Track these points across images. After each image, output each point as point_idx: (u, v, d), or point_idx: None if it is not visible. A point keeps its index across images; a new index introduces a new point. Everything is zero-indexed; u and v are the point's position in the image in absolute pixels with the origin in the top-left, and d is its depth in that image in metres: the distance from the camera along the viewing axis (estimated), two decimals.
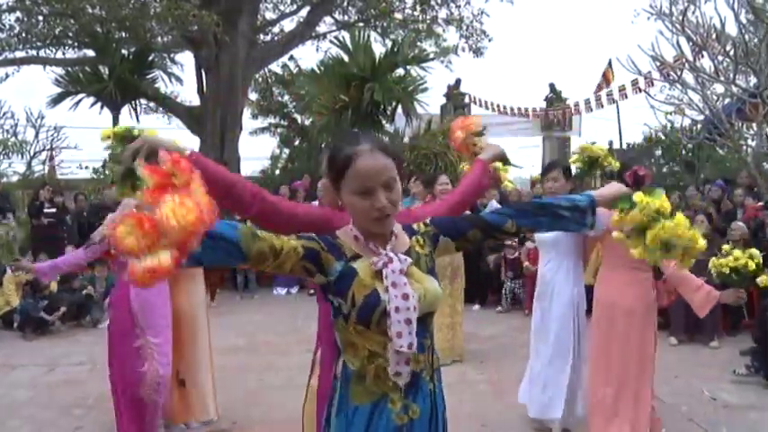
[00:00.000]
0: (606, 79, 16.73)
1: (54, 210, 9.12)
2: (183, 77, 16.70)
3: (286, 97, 18.48)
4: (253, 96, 18.36)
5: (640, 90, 12.89)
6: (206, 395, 4.04)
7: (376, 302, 1.49)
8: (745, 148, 8.84)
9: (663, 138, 13.27)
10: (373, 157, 1.51)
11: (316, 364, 2.34)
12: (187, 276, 3.96)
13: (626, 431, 3.36)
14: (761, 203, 8.02)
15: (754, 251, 3.20)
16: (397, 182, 1.56)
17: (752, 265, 3.12)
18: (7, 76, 14.86)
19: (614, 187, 1.94)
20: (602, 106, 16.91)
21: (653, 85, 11.56)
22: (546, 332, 3.92)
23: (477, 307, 8.03)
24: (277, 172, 15.65)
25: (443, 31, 17.36)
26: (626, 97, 15.84)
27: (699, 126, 9.70)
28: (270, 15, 17.69)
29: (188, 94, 30.30)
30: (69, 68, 14.86)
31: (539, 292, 4.03)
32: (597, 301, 3.56)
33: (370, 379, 1.54)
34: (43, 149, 13.41)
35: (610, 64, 16.69)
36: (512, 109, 18.03)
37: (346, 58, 12.34)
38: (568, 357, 3.80)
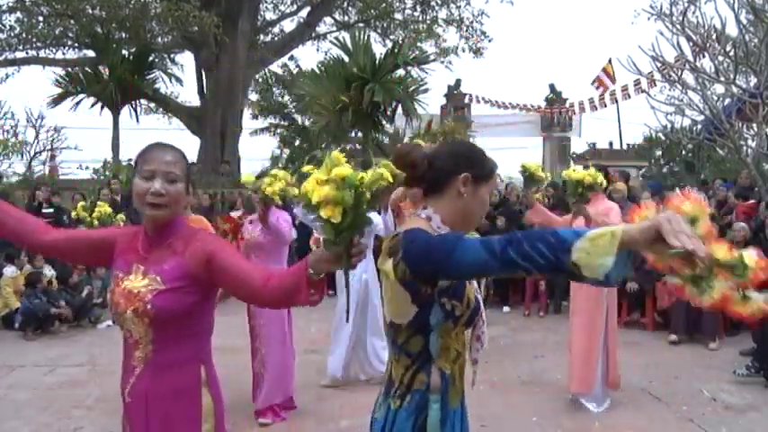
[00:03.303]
0: (607, 74, 16.71)
1: (52, 210, 9.11)
2: (183, 78, 16.74)
3: (286, 97, 18.50)
4: (253, 96, 18.38)
5: (642, 90, 12.90)
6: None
7: (477, 303, 1.57)
8: (745, 148, 8.83)
9: (663, 138, 13.26)
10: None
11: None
12: None
13: None
14: (752, 202, 8.00)
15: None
16: None
17: None
18: (7, 76, 14.90)
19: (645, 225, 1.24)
20: (606, 105, 16.94)
21: (655, 84, 11.58)
22: None
23: None
24: None
25: (443, 31, 17.39)
26: (629, 97, 15.87)
27: (699, 126, 9.70)
28: (270, 16, 17.73)
29: (188, 94, 30.38)
30: (69, 69, 14.87)
31: None
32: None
33: (458, 379, 1.59)
34: (43, 150, 13.41)
35: (609, 63, 16.71)
36: (512, 105, 18.04)
37: (346, 59, 12.34)
38: None
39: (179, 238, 1.72)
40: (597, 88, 17.39)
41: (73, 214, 3.87)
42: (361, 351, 4.89)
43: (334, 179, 1.40)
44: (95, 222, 4.67)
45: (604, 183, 4.32)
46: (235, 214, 5.26)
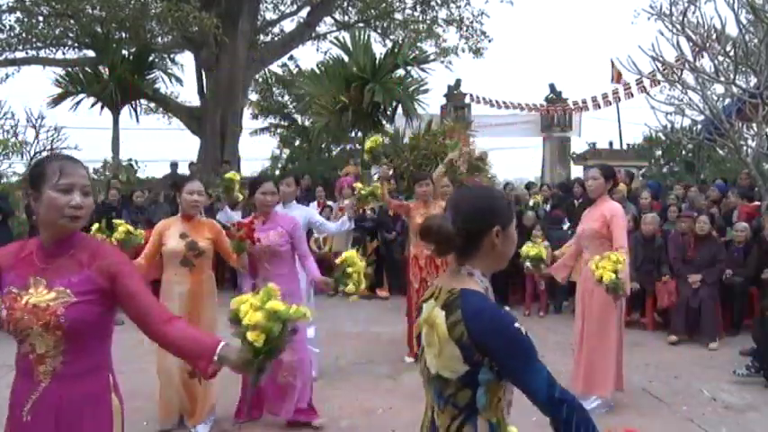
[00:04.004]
0: (615, 78, 16.71)
1: None
2: (183, 78, 16.72)
3: (286, 97, 18.49)
4: (253, 96, 18.37)
5: (645, 90, 12.90)
6: (213, 392, 4.01)
7: None
8: (745, 148, 8.83)
9: (663, 138, 13.26)
10: None
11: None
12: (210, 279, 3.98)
13: None
14: (756, 203, 8.01)
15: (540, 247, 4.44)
16: None
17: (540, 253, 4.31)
18: (7, 76, 14.89)
19: None
20: (609, 104, 16.93)
21: (658, 83, 11.58)
22: None
23: None
24: (277, 172, 15.65)
25: (443, 31, 17.39)
26: (632, 96, 15.87)
27: (699, 126, 9.70)
28: (270, 16, 17.73)
29: (188, 94, 30.37)
30: (69, 69, 14.85)
31: None
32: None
33: (502, 423, 1.62)
34: (43, 150, 13.38)
35: (612, 64, 16.71)
36: (512, 104, 18.03)
37: (346, 59, 12.34)
38: None
39: (81, 249, 1.76)
40: (616, 82, 17.27)
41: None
42: None
43: (267, 310, 1.62)
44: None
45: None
46: (235, 214, 5.25)
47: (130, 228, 3.78)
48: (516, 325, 1.51)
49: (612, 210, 4.26)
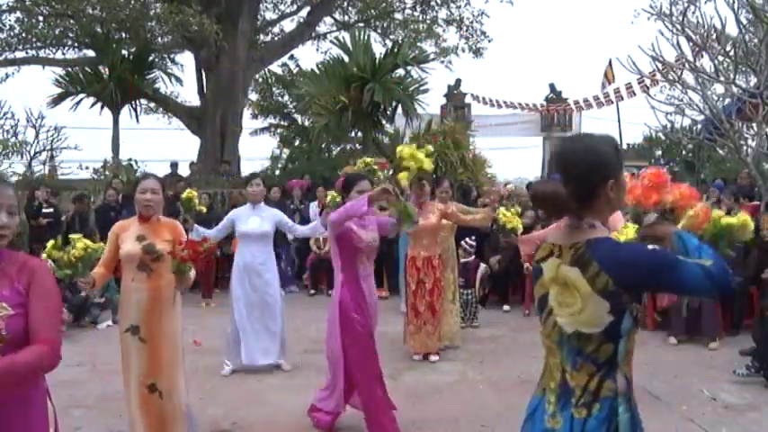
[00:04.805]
0: (608, 80, 16.74)
1: (51, 210, 9.13)
2: (183, 78, 16.73)
3: (286, 97, 18.48)
4: (253, 96, 18.37)
5: (647, 89, 12.91)
6: (182, 411, 3.54)
7: None
8: (745, 148, 8.83)
9: (663, 138, 13.27)
10: None
11: None
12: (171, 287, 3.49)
13: None
14: (756, 203, 8.01)
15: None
16: None
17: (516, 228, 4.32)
18: (7, 76, 14.90)
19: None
20: (611, 103, 16.90)
21: (657, 83, 11.57)
22: None
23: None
24: (277, 172, 15.65)
25: (443, 31, 17.39)
26: (634, 95, 15.86)
27: (699, 126, 9.70)
28: (270, 16, 17.74)
29: (188, 94, 30.34)
30: (69, 69, 14.85)
31: None
32: None
33: (632, 381, 1.64)
34: (43, 150, 13.39)
35: (610, 64, 16.70)
36: (512, 104, 18.02)
37: (346, 59, 12.33)
38: None
39: (9, 264, 1.82)
40: (605, 87, 17.34)
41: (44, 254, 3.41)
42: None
43: None
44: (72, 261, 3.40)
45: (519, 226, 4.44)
46: (206, 230, 5.12)
47: (88, 242, 3.38)
48: (649, 246, 1.54)
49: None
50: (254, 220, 5.25)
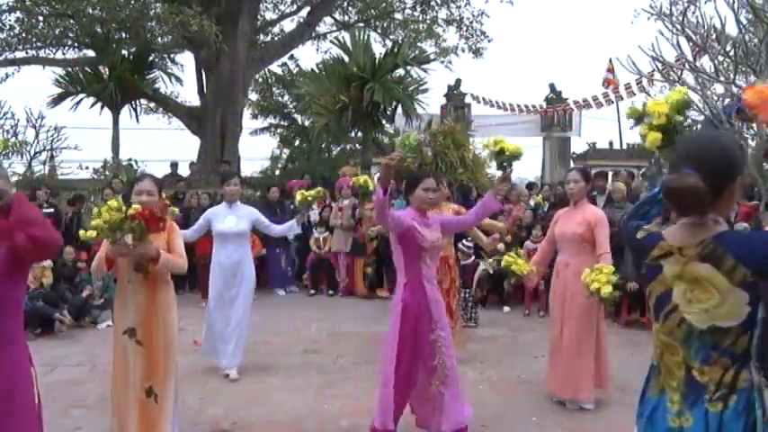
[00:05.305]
0: (608, 80, 16.75)
1: (52, 210, 9.13)
2: (183, 78, 16.73)
3: (286, 97, 18.49)
4: (253, 96, 18.38)
5: (644, 89, 12.92)
6: (170, 413, 3.48)
7: None
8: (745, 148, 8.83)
9: None
10: None
11: None
12: (164, 283, 3.52)
13: None
14: (755, 203, 8.00)
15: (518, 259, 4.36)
16: None
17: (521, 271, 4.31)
18: (7, 76, 14.90)
19: None
20: (611, 103, 16.91)
21: (653, 83, 11.54)
22: None
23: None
24: (277, 172, 15.65)
25: (443, 31, 17.39)
26: (634, 94, 15.87)
27: (699, 126, 9.69)
28: (270, 16, 17.74)
29: (188, 94, 30.36)
30: (69, 69, 14.85)
31: None
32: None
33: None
34: (43, 150, 13.39)
35: (610, 62, 16.73)
36: (512, 105, 18.04)
37: (346, 59, 12.33)
38: None
39: None
40: (606, 87, 17.36)
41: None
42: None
43: None
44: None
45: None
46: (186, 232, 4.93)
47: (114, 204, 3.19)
48: None
49: (597, 215, 4.27)
50: (231, 219, 5.20)
